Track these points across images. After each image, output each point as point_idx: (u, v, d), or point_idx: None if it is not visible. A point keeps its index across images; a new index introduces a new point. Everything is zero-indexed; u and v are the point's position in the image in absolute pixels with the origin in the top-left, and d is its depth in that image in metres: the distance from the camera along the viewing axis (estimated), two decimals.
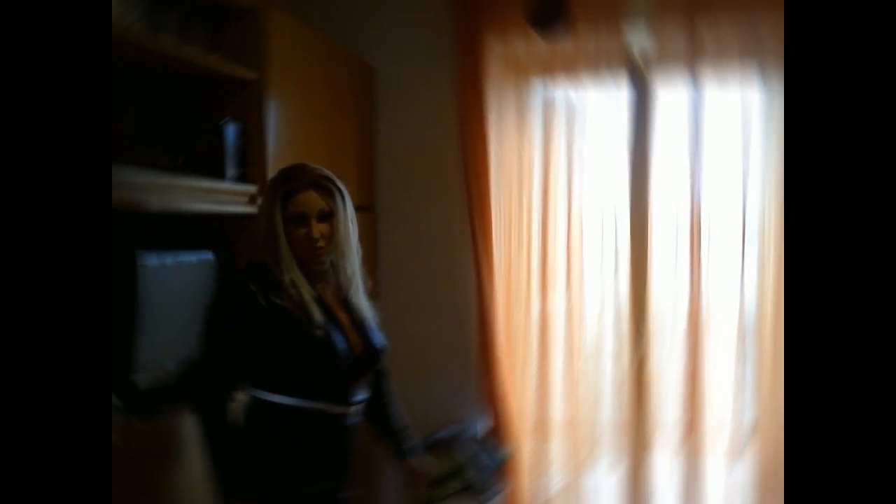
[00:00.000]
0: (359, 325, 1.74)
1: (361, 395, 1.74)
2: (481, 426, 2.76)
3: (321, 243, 1.63)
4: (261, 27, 2.15)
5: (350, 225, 1.69)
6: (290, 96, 2.28)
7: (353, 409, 1.71)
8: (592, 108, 2.68)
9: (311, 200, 1.63)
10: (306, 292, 1.62)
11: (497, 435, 2.70)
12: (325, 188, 1.65)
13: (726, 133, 2.55)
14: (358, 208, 2.95)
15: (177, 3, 2.00)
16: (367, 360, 1.75)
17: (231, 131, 2.06)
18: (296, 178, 1.64)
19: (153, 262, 1.79)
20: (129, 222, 1.75)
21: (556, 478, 2.75)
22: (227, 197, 2.01)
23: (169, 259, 1.84)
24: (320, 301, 1.66)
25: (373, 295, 2.93)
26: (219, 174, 2.02)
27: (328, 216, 1.64)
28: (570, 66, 2.65)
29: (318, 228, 1.63)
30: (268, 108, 2.16)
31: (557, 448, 2.74)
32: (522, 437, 2.74)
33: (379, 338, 1.79)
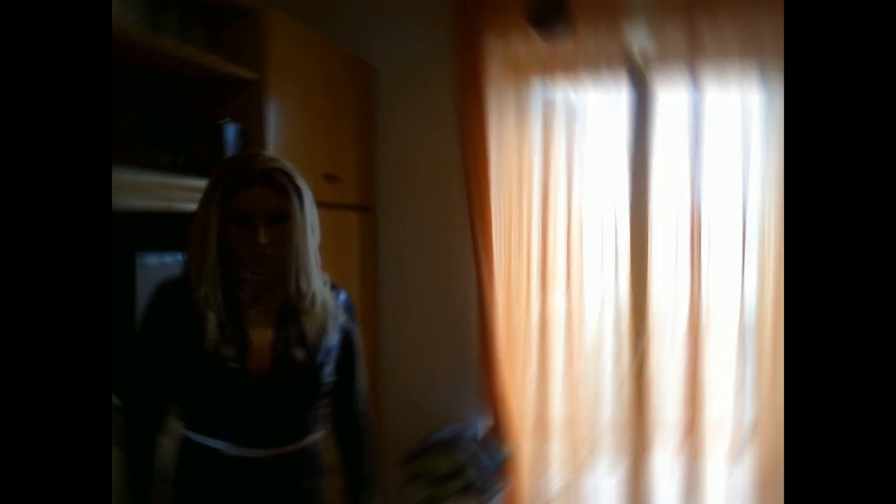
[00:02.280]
0: (284, 347, 1.38)
1: (293, 435, 1.42)
2: (481, 426, 2.76)
3: (268, 251, 1.32)
4: (261, 27, 2.15)
5: (308, 231, 1.36)
6: (290, 96, 2.28)
7: (272, 452, 1.38)
8: (592, 108, 2.68)
9: (259, 198, 1.30)
10: (213, 312, 1.34)
11: (497, 435, 2.70)
12: (279, 185, 1.32)
13: (726, 133, 2.55)
14: (358, 208, 2.99)
15: (177, 3, 2.00)
16: (280, 390, 1.38)
17: (231, 131, 2.06)
18: (241, 170, 1.32)
19: (153, 261, 1.79)
20: (129, 222, 1.75)
21: (556, 478, 2.75)
22: None
23: (169, 258, 1.84)
24: (236, 315, 1.37)
25: (372, 296, 2.95)
26: None
27: (281, 219, 1.32)
28: (570, 66, 2.65)
29: (267, 233, 1.31)
30: (268, 108, 2.16)
31: (557, 448, 2.74)
32: (522, 437, 2.74)
33: (310, 366, 1.40)
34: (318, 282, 1.42)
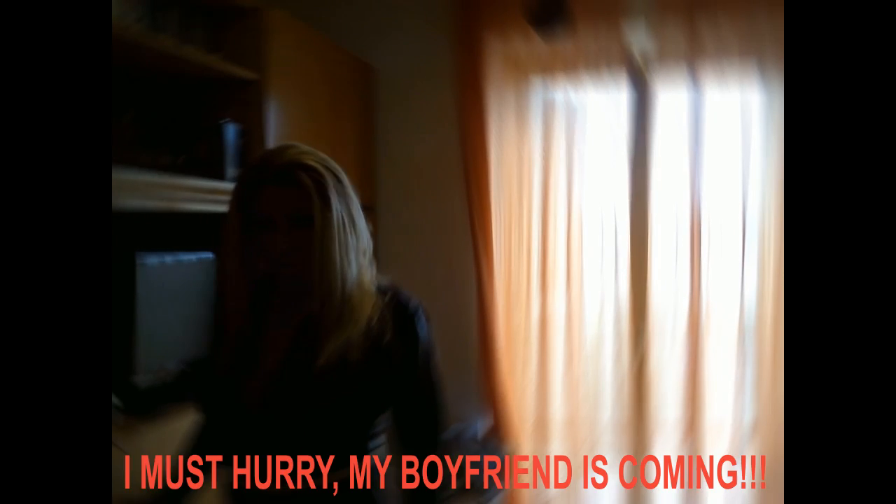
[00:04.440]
0: (289, 369, 1.19)
1: (315, 470, 1.18)
2: (481, 426, 2.76)
3: (290, 258, 1.16)
4: (261, 27, 2.15)
5: (338, 234, 1.17)
6: (290, 96, 2.28)
7: (282, 491, 1.17)
8: (592, 108, 2.69)
9: (278, 199, 1.15)
10: (230, 330, 1.24)
11: (497, 435, 2.70)
12: (300, 183, 1.14)
13: (726, 133, 2.55)
14: None
15: (177, 3, 2.00)
16: (280, 418, 1.18)
17: (231, 131, 2.06)
18: (263, 167, 1.17)
19: (153, 261, 1.79)
20: (129, 222, 1.75)
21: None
22: (227, 197, 2.00)
23: (169, 258, 1.84)
24: (258, 332, 1.23)
25: None
26: (219, 174, 2.02)
27: (305, 222, 1.15)
28: (570, 66, 2.65)
29: (287, 238, 1.15)
30: (268, 108, 2.17)
31: (557, 448, 2.74)
32: (522, 437, 2.74)
33: (322, 391, 1.17)
34: (353, 291, 1.21)
